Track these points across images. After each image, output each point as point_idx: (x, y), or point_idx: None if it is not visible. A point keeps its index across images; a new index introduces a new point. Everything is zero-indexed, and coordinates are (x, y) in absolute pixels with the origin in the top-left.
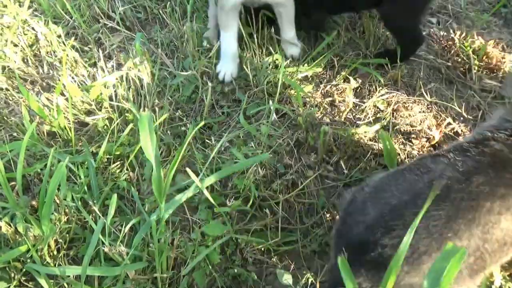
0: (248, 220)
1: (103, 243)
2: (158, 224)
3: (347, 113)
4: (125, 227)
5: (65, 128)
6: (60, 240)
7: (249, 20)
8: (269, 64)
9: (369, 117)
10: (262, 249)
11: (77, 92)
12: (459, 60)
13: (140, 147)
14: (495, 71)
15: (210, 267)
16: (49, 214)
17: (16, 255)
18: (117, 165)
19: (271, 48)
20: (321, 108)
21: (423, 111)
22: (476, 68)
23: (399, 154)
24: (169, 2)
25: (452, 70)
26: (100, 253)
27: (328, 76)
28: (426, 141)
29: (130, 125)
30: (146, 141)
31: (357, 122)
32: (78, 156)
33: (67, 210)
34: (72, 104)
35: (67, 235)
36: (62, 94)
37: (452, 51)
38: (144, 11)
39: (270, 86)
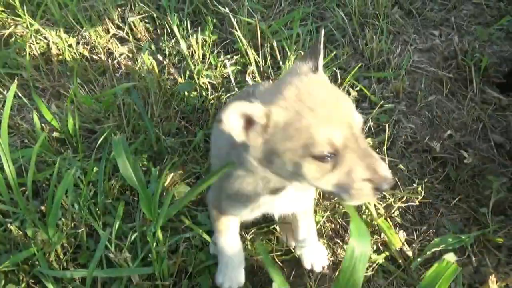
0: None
1: (107, 248)
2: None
3: None
4: (131, 236)
5: (75, 135)
6: (66, 245)
7: None
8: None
9: (371, 128)
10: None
11: (88, 102)
12: (461, 72)
13: (147, 156)
14: (496, 83)
15: (212, 274)
16: (55, 221)
17: (23, 257)
18: None
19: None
20: None
21: (425, 123)
22: (478, 80)
23: (397, 165)
24: (176, 14)
25: (454, 82)
26: (104, 260)
27: None
28: (427, 153)
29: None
30: (125, 167)
31: None
32: (85, 162)
33: (74, 216)
34: (82, 112)
35: (74, 240)
36: (72, 101)
37: (454, 64)
38: (152, 22)
39: None
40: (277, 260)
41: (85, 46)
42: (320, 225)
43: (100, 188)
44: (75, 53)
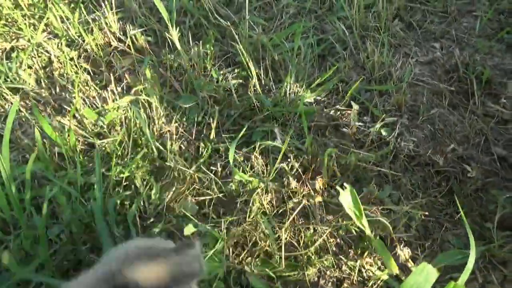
0: (252, 245)
1: None
2: None
3: (352, 137)
4: None
5: (76, 151)
6: (66, 263)
7: None
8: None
9: (373, 142)
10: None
11: (92, 116)
12: (462, 85)
13: (148, 170)
14: (497, 96)
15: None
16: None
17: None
18: (124, 186)
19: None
20: (326, 132)
21: (427, 136)
22: (479, 93)
23: (400, 179)
24: (178, 27)
25: (455, 95)
26: None
27: (333, 100)
28: (430, 166)
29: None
30: None
31: (361, 146)
32: (88, 178)
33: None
34: (83, 126)
35: (74, 256)
36: (73, 116)
37: (455, 76)
38: (154, 34)
39: (275, 111)
40: (275, 276)
41: (87, 59)
42: (324, 240)
43: (98, 203)
44: (76, 66)
